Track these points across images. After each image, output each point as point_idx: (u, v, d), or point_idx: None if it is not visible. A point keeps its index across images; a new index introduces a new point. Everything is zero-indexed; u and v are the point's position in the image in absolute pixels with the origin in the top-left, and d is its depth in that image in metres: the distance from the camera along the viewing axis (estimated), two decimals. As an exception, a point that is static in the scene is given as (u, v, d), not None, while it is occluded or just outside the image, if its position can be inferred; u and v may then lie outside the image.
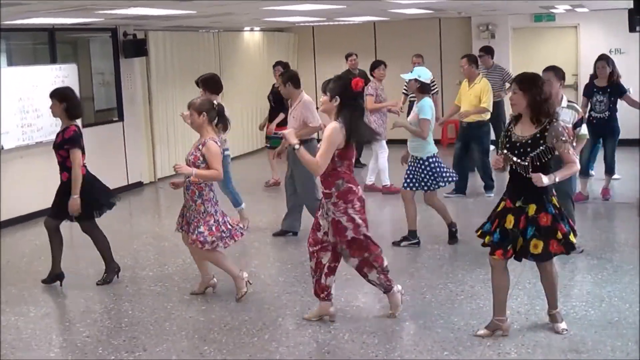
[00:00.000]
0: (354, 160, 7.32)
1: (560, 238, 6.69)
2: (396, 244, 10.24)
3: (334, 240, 7.27)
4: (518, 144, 6.66)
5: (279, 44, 20.50)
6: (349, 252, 7.31)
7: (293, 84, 10.61)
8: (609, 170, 12.61)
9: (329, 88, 7.19)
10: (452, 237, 10.28)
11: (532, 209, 6.66)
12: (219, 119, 8.17)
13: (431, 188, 10.10)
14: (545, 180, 6.46)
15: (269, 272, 9.40)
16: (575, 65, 18.09)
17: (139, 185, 15.45)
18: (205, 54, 17.59)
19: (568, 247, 6.79)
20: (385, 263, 7.46)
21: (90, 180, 8.95)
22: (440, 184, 10.14)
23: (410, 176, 10.10)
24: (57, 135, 8.96)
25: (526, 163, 6.61)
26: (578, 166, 6.78)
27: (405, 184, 10.13)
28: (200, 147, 7.96)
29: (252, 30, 19.49)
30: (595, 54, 13.14)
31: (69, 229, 12.53)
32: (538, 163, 6.58)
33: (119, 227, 11.80)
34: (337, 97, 7.11)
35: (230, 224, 8.14)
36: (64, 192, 8.87)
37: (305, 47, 20.87)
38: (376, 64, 14.31)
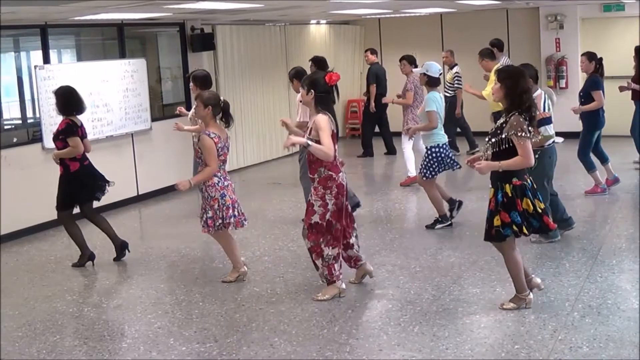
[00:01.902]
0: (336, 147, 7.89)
1: (497, 225, 7.05)
2: (429, 227, 10.74)
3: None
4: (490, 132, 7.12)
5: (345, 37, 20.48)
6: (308, 234, 7.90)
7: (298, 80, 10.75)
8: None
9: (305, 83, 7.90)
10: (433, 224, 10.74)
11: (491, 192, 7.16)
12: (223, 115, 8.58)
13: (430, 175, 10.58)
14: (485, 168, 7.03)
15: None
16: (646, 56, 17.74)
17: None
18: (272, 47, 17.63)
19: (497, 237, 7.13)
20: (334, 252, 7.94)
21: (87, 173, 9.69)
22: (439, 170, 10.64)
23: (421, 165, 10.71)
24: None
25: (488, 148, 7.10)
26: (528, 161, 6.96)
27: (421, 174, 10.72)
28: (198, 140, 8.56)
29: (318, 23, 19.48)
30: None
31: (139, 221, 12.74)
32: (497, 149, 6.99)
33: (188, 219, 11.88)
34: (312, 90, 7.81)
35: (237, 211, 8.62)
36: (62, 182, 9.66)
37: (372, 40, 20.76)
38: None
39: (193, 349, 6.96)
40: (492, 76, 12.85)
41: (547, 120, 9.04)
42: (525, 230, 7.09)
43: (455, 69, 16.31)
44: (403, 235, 10.49)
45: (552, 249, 9.45)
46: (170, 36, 15.42)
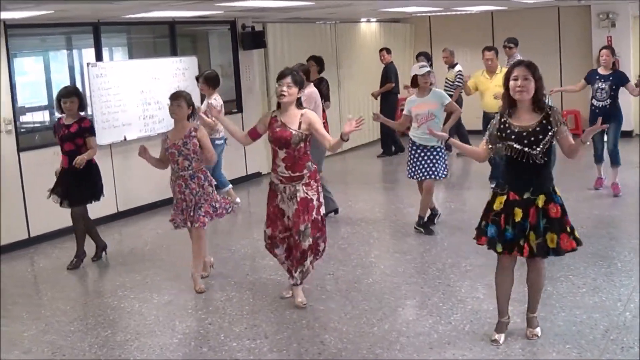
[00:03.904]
0: None
1: (569, 232, 6.47)
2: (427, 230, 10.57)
3: (296, 220, 7.71)
4: (525, 134, 6.35)
5: (395, 35, 20.43)
6: (310, 232, 7.72)
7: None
8: (614, 161, 12.26)
9: (299, 81, 7.71)
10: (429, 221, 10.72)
11: (541, 200, 6.39)
12: (193, 114, 8.97)
13: (439, 177, 10.45)
14: (588, 134, 6.26)
15: (389, 263, 9.38)
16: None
17: (257, 175, 15.58)
18: (322, 45, 17.60)
19: (578, 242, 6.55)
20: (323, 247, 7.99)
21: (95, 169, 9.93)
22: (438, 175, 10.42)
23: (420, 166, 10.35)
24: (69, 126, 9.60)
25: (537, 152, 6.32)
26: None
27: (415, 175, 10.48)
28: (192, 133, 8.69)
29: (368, 21, 19.47)
30: None
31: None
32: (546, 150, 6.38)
33: (238, 216, 11.92)
34: (302, 89, 7.78)
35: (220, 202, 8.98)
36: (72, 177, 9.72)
37: (422, 38, 20.74)
38: None
39: (244, 345, 6.99)
40: (484, 77, 12.74)
41: None
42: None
43: (457, 68, 16.40)
44: (453, 234, 10.44)
45: (603, 248, 9.37)
46: (221, 34, 15.48)
